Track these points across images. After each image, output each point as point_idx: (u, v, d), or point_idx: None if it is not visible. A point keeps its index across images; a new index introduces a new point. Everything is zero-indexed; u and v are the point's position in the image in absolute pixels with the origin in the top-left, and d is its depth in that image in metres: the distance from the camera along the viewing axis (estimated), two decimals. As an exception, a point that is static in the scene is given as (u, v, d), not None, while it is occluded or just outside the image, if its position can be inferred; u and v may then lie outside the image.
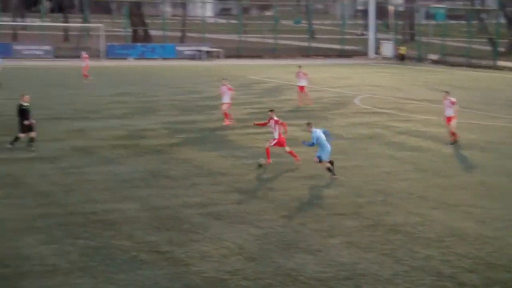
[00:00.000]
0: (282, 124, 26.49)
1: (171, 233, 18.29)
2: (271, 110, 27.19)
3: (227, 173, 25.12)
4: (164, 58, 78.98)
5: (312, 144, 24.40)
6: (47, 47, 78.12)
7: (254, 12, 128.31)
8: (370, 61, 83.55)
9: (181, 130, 33.95)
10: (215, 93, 35.81)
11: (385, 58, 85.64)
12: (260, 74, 63.49)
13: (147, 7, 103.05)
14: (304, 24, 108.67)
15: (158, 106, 42.11)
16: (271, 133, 26.85)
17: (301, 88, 43.49)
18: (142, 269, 15.80)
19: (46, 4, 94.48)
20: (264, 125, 27.47)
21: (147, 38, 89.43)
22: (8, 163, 25.96)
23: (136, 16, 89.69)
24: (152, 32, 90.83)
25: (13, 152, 27.61)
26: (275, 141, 26.44)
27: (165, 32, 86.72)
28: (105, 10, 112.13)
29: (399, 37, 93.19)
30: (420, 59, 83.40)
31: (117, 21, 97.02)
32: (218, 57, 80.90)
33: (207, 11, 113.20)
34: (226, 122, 35.34)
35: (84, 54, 57.24)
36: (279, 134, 26.40)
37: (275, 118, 26.60)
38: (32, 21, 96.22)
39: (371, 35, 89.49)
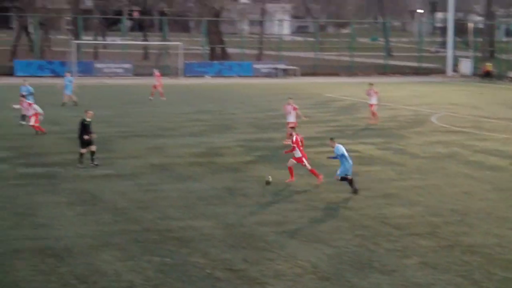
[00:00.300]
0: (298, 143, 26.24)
1: (246, 251, 18.39)
2: (292, 127, 27.19)
3: (303, 191, 25.13)
4: (241, 76, 79.41)
5: (336, 157, 24.79)
6: (127, 65, 79.31)
7: (330, 30, 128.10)
8: (447, 79, 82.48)
9: (256, 148, 34.10)
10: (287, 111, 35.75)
11: (463, 76, 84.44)
12: (336, 92, 63.38)
13: (225, 25, 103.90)
14: (380, 41, 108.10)
15: (234, 123, 42.36)
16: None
17: (371, 106, 43.15)
18: (217, 287, 15.92)
19: (126, 23, 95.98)
20: (294, 149, 26.41)
21: (224, 56, 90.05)
22: (86, 180, 26.44)
23: (214, 34, 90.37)
24: (229, 50, 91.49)
25: (91, 169, 28.12)
26: (306, 160, 26.25)
27: (242, 50, 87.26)
28: (184, 28, 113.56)
29: (479, 54, 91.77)
30: (500, 77, 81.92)
31: (195, 39, 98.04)
32: (294, 75, 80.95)
33: (284, 29, 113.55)
34: (287, 142, 35.15)
35: (156, 72, 56.18)
36: (301, 151, 26.22)
37: (295, 135, 26.33)
38: (113, 40, 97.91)
39: (449, 52, 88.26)
